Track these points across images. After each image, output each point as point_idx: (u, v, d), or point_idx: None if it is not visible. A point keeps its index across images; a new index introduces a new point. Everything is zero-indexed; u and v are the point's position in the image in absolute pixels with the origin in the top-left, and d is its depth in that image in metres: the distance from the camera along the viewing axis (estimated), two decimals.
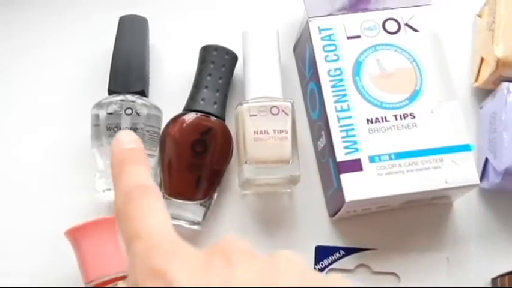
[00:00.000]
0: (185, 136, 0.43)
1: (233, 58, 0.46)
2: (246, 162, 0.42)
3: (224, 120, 0.45)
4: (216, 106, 0.44)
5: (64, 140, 0.46)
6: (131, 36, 0.46)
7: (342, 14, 0.44)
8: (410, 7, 0.45)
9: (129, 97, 0.43)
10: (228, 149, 0.44)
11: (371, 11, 0.45)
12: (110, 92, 0.44)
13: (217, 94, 0.44)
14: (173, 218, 0.42)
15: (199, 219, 0.43)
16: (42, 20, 0.50)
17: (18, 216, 0.45)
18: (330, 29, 0.44)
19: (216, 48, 0.45)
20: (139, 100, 0.44)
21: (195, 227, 0.43)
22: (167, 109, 0.45)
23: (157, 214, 0.25)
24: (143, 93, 0.44)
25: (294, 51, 0.49)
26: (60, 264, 0.43)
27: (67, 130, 0.46)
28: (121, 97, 0.43)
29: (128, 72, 0.45)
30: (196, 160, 0.43)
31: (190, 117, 0.43)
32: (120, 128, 0.42)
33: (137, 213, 0.25)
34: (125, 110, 0.42)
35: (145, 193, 0.26)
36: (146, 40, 0.47)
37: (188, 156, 0.43)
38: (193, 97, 0.44)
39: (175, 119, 0.44)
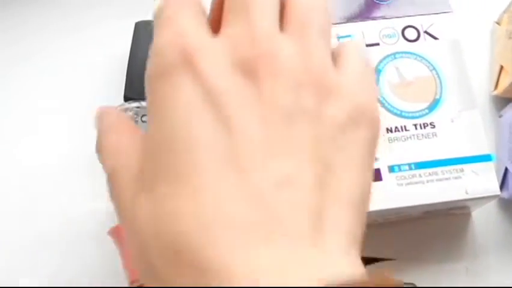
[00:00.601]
0: None
1: None
2: None
3: None
4: None
5: (77, 147, 0.46)
6: (148, 42, 0.45)
7: (360, 21, 0.44)
8: (429, 14, 0.44)
9: (145, 104, 0.43)
10: None
11: (389, 18, 0.44)
12: (126, 98, 0.44)
13: None
14: None
15: None
16: (56, 23, 0.49)
17: (30, 224, 0.44)
18: (349, 36, 0.43)
19: None
20: None
21: None
22: None
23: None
24: None
25: None
26: (69, 270, 0.43)
27: (81, 136, 0.46)
28: (136, 104, 0.43)
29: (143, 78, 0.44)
30: None
31: None
32: None
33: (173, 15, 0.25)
34: (141, 117, 0.42)
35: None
36: None
37: None
38: None
39: None
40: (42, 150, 0.46)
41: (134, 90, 0.44)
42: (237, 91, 0.23)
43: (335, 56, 0.27)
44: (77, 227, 0.42)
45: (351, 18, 0.44)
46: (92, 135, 0.44)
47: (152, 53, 0.25)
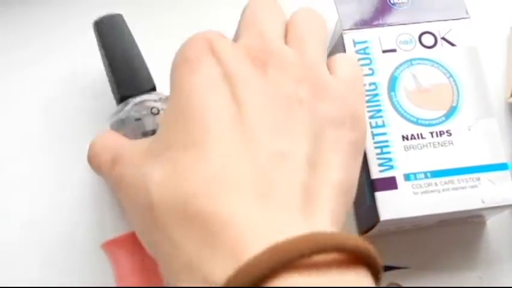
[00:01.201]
0: None
1: None
2: None
3: None
4: None
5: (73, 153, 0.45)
6: (117, 36, 0.42)
7: (376, 26, 0.43)
8: (446, 20, 0.44)
9: (145, 97, 0.40)
10: None
11: (405, 24, 0.44)
12: (123, 98, 0.40)
13: None
14: None
15: None
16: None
17: (54, 232, 0.44)
18: (365, 42, 0.43)
19: None
20: (155, 96, 0.40)
21: None
22: None
23: None
24: (155, 89, 0.41)
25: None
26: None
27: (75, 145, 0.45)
28: (137, 99, 0.40)
29: (133, 72, 0.41)
30: None
31: None
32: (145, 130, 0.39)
33: None
34: (151, 110, 0.39)
35: None
36: (132, 36, 0.43)
37: None
38: None
39: None
40: (42, 157, 0.46)
41: (127, 87, 0.40)
42: (248, 75, 0.28)
43: (329, 65, 0.33)
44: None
45: (367, 24, 0.43)
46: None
47: (180, 47, 0.30)
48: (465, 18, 0.44)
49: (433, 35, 0.43)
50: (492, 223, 0.45)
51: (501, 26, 0.50)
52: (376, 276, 0.25)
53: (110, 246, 0.39)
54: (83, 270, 0.42)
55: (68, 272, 0.43)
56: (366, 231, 0.43)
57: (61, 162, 0.45)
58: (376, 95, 0.41)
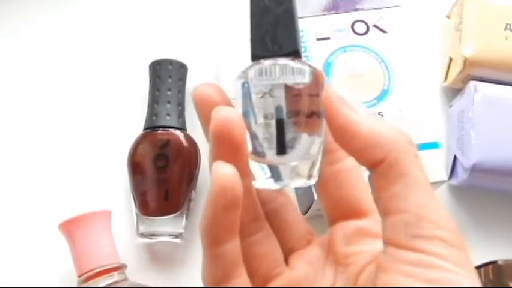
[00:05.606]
0: (146, 155, 0.43)
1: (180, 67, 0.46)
2: None
3: (185, 129, 0.45)
4: (169, 117, 0.44)
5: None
6: None
7: (312, 16, 0.45)
8: (378, 9, 0.46)
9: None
10: (192, 156, 0.44)
11: (339, 13, 0.46)
12: (255, 57, 0.27)
13: (168, 105, 0.45)
14: (156, 235, 0.43)
15: (181, 230, 0.43)
16: None
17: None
18: (301, 31, 0.44)
19: (171, 62, 0.46)
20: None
21: (177, 240, 0.44)
22: None
23: None
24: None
25: None
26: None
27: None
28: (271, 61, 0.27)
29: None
30: (160, 175, 0.43)
31: (147, 135, 0.44)
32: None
33: None
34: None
35: None
36: None
37: (152, 172, 0.43)
38: (148, 115, 0.45)
39: (135, 143, 0.44)
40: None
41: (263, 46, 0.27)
42: None
43: None
44: None
45: (302, 14, 0.45)
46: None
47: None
48: (396, 6, 0.46)
49: (365, 23, 0.45)
50: None
51: (437, 14, 0.52)
52: None
53: (67, 227, 0.39)
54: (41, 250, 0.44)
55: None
56: (305, 212, 0.44)
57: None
58: None
